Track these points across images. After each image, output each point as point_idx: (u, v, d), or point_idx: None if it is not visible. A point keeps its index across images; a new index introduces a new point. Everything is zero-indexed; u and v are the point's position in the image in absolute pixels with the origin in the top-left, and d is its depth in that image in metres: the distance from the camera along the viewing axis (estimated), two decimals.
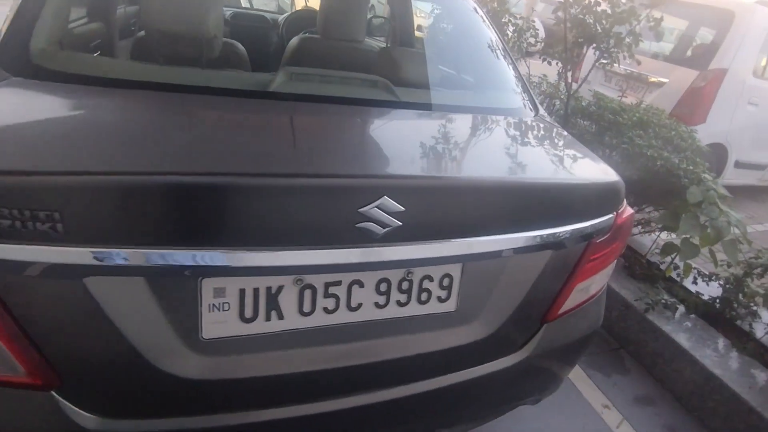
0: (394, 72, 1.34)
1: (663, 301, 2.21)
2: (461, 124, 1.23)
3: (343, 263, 0.83)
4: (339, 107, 1.11)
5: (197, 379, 0.82)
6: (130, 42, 1.29)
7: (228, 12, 3.02)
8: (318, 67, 1.26)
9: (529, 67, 3.28)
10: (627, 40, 2.44)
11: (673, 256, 2.27)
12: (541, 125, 1.34)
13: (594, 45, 2.46)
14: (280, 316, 0.86)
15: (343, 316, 0.91)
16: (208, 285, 0.79)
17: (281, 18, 3.07)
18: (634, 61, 2.56)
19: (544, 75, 3.26)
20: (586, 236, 1.09)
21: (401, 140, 1.06)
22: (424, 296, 0.97)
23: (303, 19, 2.82)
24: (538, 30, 3.25)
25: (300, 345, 0.90)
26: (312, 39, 1.57)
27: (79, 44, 1.20)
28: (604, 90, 3.90)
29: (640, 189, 2.48)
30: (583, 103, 2.66)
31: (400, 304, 0.95)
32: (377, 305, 0.93)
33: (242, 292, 0.82)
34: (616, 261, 1.32)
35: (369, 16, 3.35)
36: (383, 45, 2.47)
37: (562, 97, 2.72)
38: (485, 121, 1.26)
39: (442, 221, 0.90)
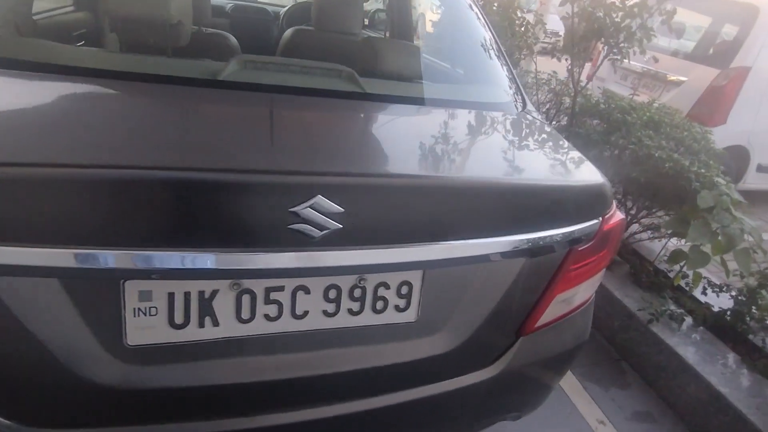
0: (374, 63, 1.26)
1: (669, 311, 2.08)
2: (430, 118, 1.14)
3: (278, 268, 0.76)
4: (291, 98, 1.03)
5: (121, 387, 0.76)
6: (90, 28, 1.24)
7: (229, 5, 2.98)
8: (310, 59, 1.19)
9: (536, 64, 3.16)
10: (638, 34, 2.30)
11: (681, 264, 2.14)
12: (524, 121, 1.25)
13: (603, 40, 2.33)
14: (216, 323, 0.80)
15: (287, 325, 0.84)
16: (132, 288, 0.73)
17: (283, 11, 3.03)
18: (651, 58, 2.42)
19: (554, 72, 3.13)
20: (565, 243, 1.00)
21: (351, 135, 0.98)
22: (379, 305, 0.89)
23: (304, 11, 2.77)
24: (545, 25, 3.12)
25: (239, 354, 0.83)
26: (305, 31, 1.51)
27: (37, 30, 1.16)
28: (619, 88, 3.75)
29: (649, 192, 2.35)
30: (592, 101, 2.54)
31: (352, 312, 0.88)
32: (326, 313, 0.86)
33: (171, 296, 0.75)
34: (604, 270, 1.21)
35: (372, 10, 3.28)
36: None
37: (572, 94, 2.60)
38: (460, 115, 1.17)
39: (396, 224, 0.83)
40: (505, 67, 1.38)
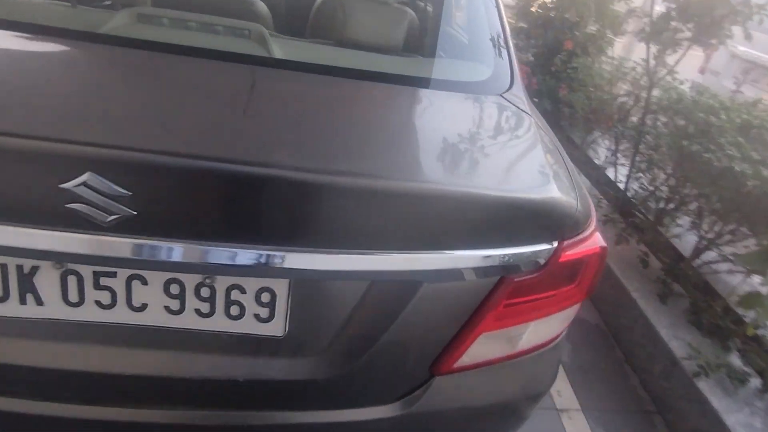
0: (337, 28, 1.08)
1: (727, 366, 1.65)
2: (343, 96, 0.93)
3: (72, 252, 0.65)
4: (173, 57, 0.90)
5: None
6: None
7: None
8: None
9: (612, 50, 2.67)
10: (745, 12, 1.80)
11: (759, 310, 1.68)
12: (491, 105, 0.99)
13: (689, 21, 1.86)
14: (39, 302, 0.72)
15: (123, 315, 0.74)
16: None
17: None
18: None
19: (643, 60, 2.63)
20: (487, 270, 0.77)
21: (191, 107, 0.81)
22: (234, 310, 0.75)
23: None
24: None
25: (68, 339, 0.75)
26: None
27: None
28: (747, 88, 3.07)
29: (733, 212, 1.87)
30: (673, 95, 2.07)
31: (200, 314, 0.75)
32: (169, 310, 0.74)
33: None
34: (573, 310, 0.94)
35: None
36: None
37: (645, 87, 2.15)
38: (397, 94, 0.95)
39: (230, 220, 0.68)
40: (493, 40, 1.10)
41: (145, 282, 0.72)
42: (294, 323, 0.77)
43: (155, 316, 0.75)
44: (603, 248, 0.88)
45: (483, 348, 0.85)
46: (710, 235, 2.12)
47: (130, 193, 0.61)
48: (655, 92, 2.13)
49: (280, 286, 0.75)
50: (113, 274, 0.71)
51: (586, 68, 2.77)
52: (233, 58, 0.91)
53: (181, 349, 0.78)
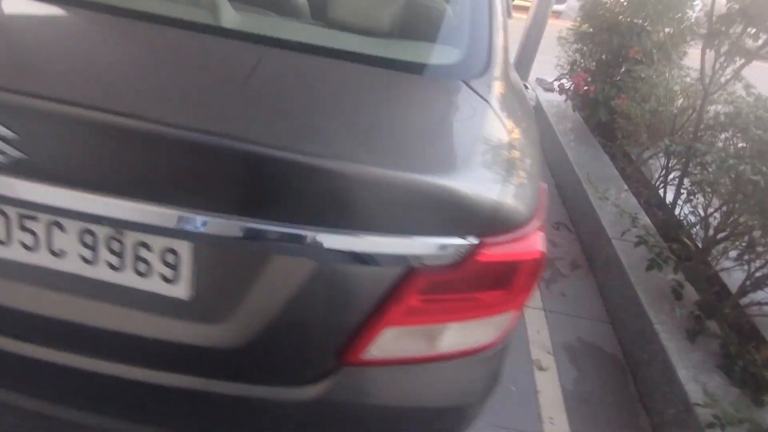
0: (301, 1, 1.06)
1: (751, 423, 1.42)
2: (273, 64, 0.90)
3: None
4: (106, 17, 0.89)
5: None
6: None
7: None
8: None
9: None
10: None
11: None
12: (435, 88, 0.91)
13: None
14: None
15: (44, 259, 0.78)
16: None
17: None
18: None
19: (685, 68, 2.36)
20: (391, 258, 0.71)
21: (105, 63, 0.81)
22: (142, 267, 0.77)
23: None
24: (696, 4, 2.32)
25: None
26: None
27: None
28: None
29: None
30: (728, 109, 1.83)
31: (112, 267, 0.77)
32: (84, 259, 0.77)
33: None
34: (506, 318, 0.85)
35: None
36: None
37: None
38: (331, 68, 0.90)
39: (135, 174, 0.69)
40: (475, 23, 1.01)
41: (62, 229, 0.75)
42: (199, 288, 0.77)
43: (72, 264, 0.78)
44: (540, 254, 0.78)
45: (396, 343, 0.80)
46: (764, 271, 1.85)
47: (19, 137, 0.64)
48: (715, 106, 1.89)
49: (184, 249, 0.74)
50: (34, 218, 0.75)
51: (650, 78, 2.53)
52: (173, 23, 0.92)
53: (95, 299, 0.80)
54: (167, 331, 0.80)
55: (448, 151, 0.76)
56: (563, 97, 3.74)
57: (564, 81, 3.68)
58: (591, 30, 3.48)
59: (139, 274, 0.77)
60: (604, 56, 3.34)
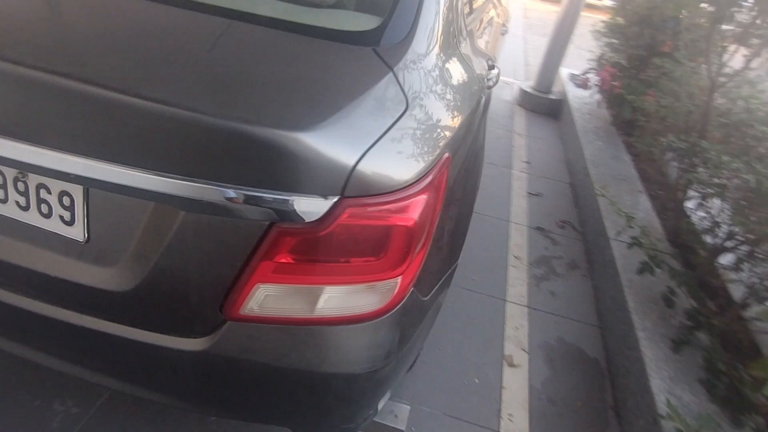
0: None
1: None
2: (184, 24, 0.90)
3: None
4: None
5: None
6: None
7: None
8: None
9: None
10: None
11: None
12: (335, 52, 0.88)
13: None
14: None
15: None
16: None
17: None
18: None
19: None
20: (253, 212, 0.71)
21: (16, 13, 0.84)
22: (44, 208, 0.82)
23: None
24: None
25: None
26: None
27: None
28: None
29: None
30: (741, 104, 1.67)
31: (20, 206, 0.83)
32: None
33: None
34: (388, 288, 0.82)
35: None
36: None
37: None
38: (240, 31, 0.89)
39: (25, 118, 0.73)
40: None
41: None
42: (92, 231, 0.81)
43: None
44: (411, 221, 0.75)
45: (275, 302, 0.80)
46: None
47: None
48: (721, 100, 1.74)
49: (77, 192, 0.78)
50: None
51: (672, 72, 2.36)
52: None
53: (7, 235, 0.86)
54: (68, 270, 0.84)
55: (319, 111, 0.74)
56: (589, 92, 3.56)
57: (590, 75, 3.49)
58: (623, 23, 3.28)
59: (43, 214, 0.82)
60: (634, 50, 3.14)
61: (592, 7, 8.46)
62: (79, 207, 0.79)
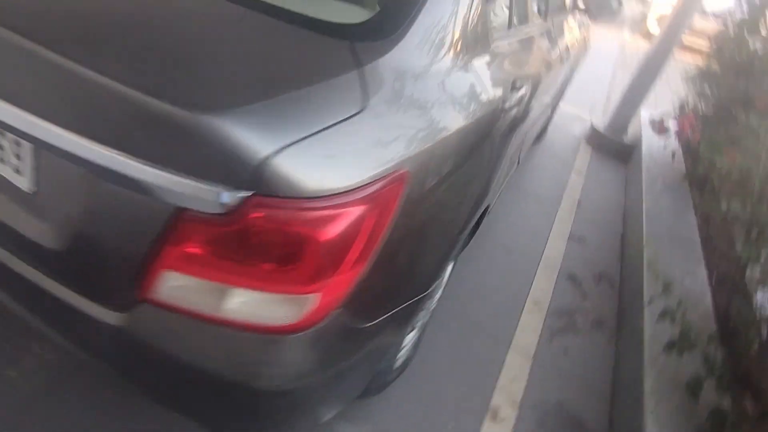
0: None
1: None
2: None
3: None
4: None
5: None
6: None
7: None
8: None
9: None
10: None
11: None
12: (309, 43, 0.81)
13: None
14: None
15: None
16: None
17: None
18: None
19: None
20: (159, 191, 0.66)
21: None
22: (1, 154, 0.82)
23: None
24: None
25: None
26: None
27: None
28: None
29: None
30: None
31: None
32: None
33: None
34: (310, 303, 0.73)
35: None
36: None
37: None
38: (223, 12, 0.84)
39: None
40: None
41: None
42: (38, 184, 0.80)
43: None
44: (331, 235, 0.66)
45: (183, 292, 0.75)
46: None
47: None
48: None
49: (26, 145, 0.78)
50: None
51: (755, 129, 2.06)
52: None
53: None
54: (14, 217, 0.85)
55: (245, 95, 0.67)
56: (664, 139, 3.22)
57: (669, 120, 3.16)
58: (717, 69, 2.93)
59: (0, 159, 0.82)
60: (723, 101, 2.79)
61: (691, 49, 7.84)
62: (27, 160, 0.79)
